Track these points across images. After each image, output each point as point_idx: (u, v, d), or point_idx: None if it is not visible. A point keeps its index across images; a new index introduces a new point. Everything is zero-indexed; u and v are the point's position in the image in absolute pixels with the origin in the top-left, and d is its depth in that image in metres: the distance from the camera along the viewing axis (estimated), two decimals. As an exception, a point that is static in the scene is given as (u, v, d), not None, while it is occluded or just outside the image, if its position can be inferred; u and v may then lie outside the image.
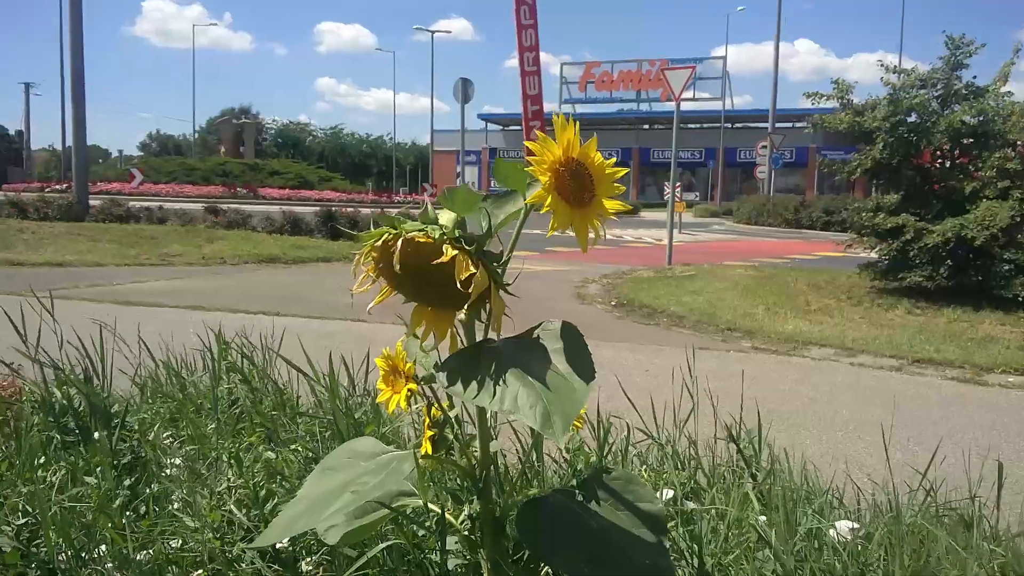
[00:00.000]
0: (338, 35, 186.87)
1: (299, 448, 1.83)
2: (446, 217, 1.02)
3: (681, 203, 21.75)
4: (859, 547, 1.59)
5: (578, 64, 56.63)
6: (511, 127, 56.09)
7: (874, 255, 10.20)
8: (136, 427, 2.38)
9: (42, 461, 2.19)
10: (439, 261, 0.95)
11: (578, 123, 0.99)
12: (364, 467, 1.11)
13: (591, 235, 1.03)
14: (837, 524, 1.68)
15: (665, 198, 15.25)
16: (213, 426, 2.50)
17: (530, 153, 0.97)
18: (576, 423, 1.46)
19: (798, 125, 41.30)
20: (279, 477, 1.66)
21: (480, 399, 0.92)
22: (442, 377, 0.98)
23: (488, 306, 1.01)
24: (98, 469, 1.93)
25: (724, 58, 52.25)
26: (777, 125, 35.62)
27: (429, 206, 1.01)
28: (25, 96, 54.30)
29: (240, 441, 2.11)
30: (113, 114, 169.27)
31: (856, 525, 1.74)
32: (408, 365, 1.23)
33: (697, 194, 47.98)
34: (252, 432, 2.11)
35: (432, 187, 37.81)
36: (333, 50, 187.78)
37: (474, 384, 0.95)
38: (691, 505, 1.74)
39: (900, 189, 9.97)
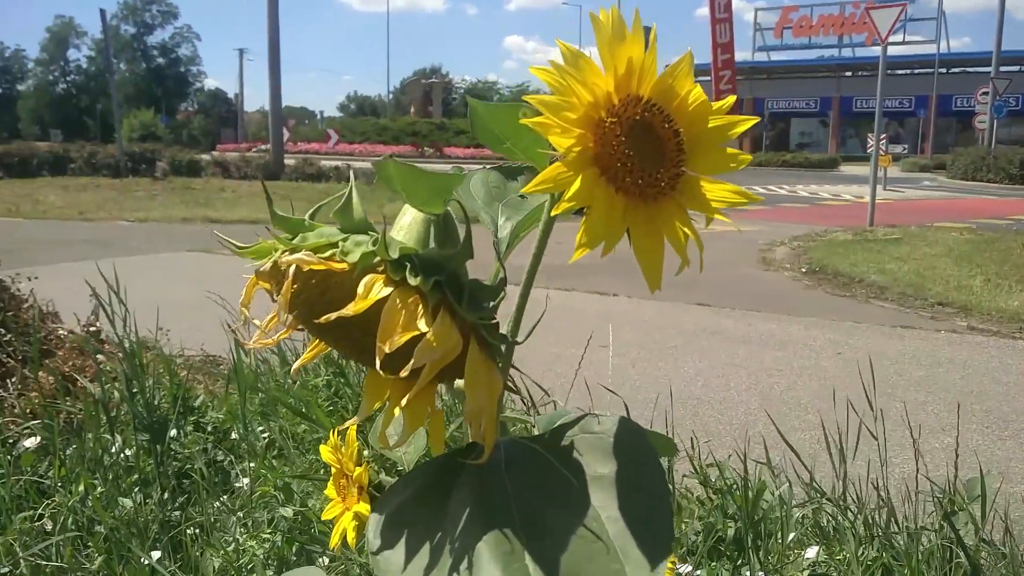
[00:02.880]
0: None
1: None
2: (405, 221, 0.54)
3: (886, 156, 19.78)
4: None
5: (774, 9, 53.53)
6: (699, 78, 53.56)
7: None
8: (211, 426, 2.09)
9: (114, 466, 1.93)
10: (356, 308, 0.46)
11: (651, 30, 0.49)
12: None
13: (671, 249, 0.48)
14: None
15: (868, 151, 13.87)
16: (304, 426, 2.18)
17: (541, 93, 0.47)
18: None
19: (1027, 68, 36.79)
20: (297, 544, 1.28)
21: (413, 602, 0.45)
22: (372, 530, 0.51)
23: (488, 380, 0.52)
24: (135, 490, 1.63)
25: (941, -5, 47.35)
26: (1001, 69, 31.78)
27: (354, 195, 0.53)
28: (239, 61, 58.65)
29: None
30: (320, 76, 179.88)
31: None
32: (359, 470, 0.78)
33: (905, 146, 44.24)
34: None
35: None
36: (521, 7, 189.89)
37: (424, 553, 0.48)
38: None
39: None
